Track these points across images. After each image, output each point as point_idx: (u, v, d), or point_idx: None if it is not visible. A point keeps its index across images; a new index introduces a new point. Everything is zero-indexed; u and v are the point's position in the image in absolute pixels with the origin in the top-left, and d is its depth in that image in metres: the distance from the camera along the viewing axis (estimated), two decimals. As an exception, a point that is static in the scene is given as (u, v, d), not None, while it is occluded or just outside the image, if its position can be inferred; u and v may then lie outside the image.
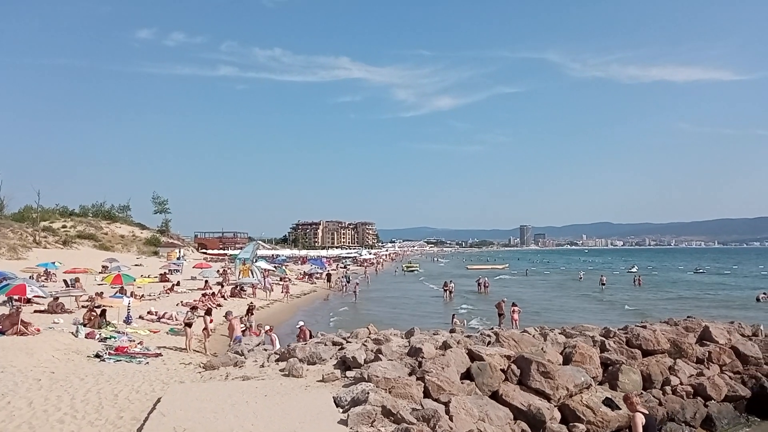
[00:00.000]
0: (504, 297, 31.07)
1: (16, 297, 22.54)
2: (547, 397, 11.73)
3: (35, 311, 22.74)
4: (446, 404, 10.08)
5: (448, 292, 45.38)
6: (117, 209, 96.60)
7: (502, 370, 12.46)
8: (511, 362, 12.71)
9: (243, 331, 17.56)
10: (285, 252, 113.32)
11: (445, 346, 13.58)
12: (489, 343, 14.57)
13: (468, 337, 15.51)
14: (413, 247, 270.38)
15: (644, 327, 16.20)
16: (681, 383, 13.81)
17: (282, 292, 40.42)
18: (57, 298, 24.95)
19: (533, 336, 15.76)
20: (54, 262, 43.89)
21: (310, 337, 18.27)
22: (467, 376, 12.26)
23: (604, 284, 55.40)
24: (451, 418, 9.46)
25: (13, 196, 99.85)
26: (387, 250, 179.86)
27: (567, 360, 13.54)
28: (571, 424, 11.49)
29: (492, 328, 17.68)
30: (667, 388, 13.62)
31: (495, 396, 11.73)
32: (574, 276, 72.50)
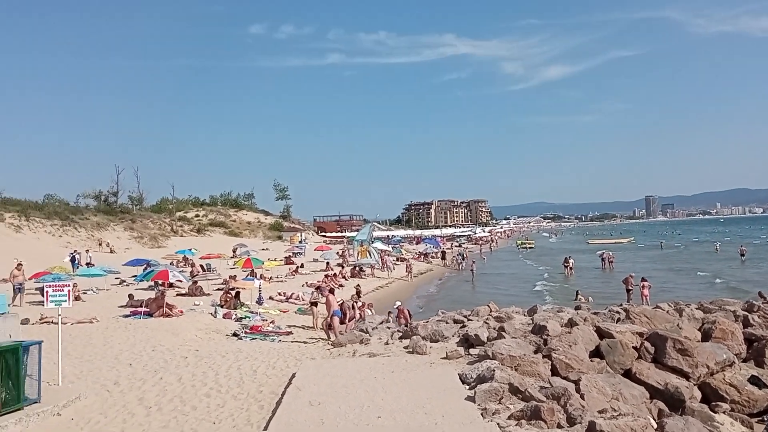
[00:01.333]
0: (632, 272, 29.55)
1: (160, 282, 24.70)
2: (685, 376, 11.08)
3: (177, 294, 24.75)
4: (576, 382, 9.79)
5: (568, 268, 43.94)
6: (242, 197, 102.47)
7: (635, 348, 11.91)
8: (644, 339, 12.10)
9: (340, 305, 17.95)
10: (399, 233, 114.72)
11: (571, 323, 13.19)
12: (618, 320, 13.97)
13: (595, 314, 14.95)
14: (529, 223, 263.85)
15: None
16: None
17: (406, 271, 41.55)
18: (196, 281, 27.03)
19: (667, 312, 14.90)
20: (191, 249, 47.39)
21: (410, 317, 18.55)
22: (596, 354, 11.86)
23: (743, 255, 51.04)
24: (582, 397, 9.18)
25: (151, 189, 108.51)
26: (501, 228, 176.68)
27: (706, 336, 12.67)
28: (713, 403, 10.78)
29: (621, 305, 16.90)
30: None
31: (627, 374, 11.25)
32: (708, 248, 67.38)
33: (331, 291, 20.78)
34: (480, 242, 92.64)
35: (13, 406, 8.48)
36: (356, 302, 20.01)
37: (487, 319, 14.96)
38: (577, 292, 28.85)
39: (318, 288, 23.24)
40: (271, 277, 32.62)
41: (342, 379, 9.84)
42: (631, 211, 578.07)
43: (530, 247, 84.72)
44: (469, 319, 15.33)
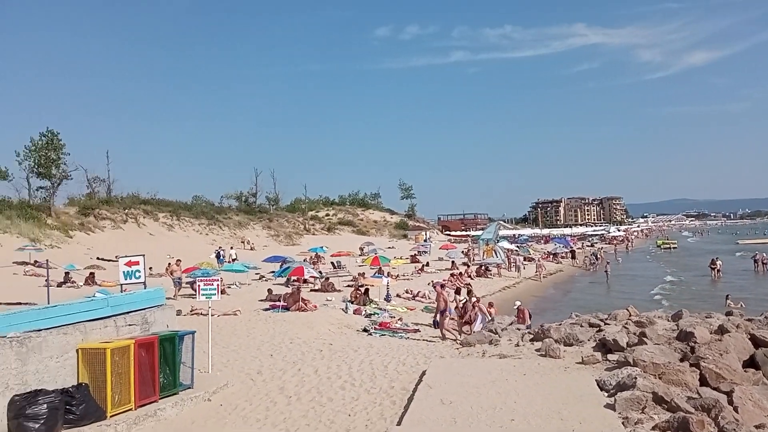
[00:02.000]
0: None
1: (295, 278, 25.99)
2: None
3: (311, 290, 25.89)
4: (728, 393, 8.98)
5: (715, 270, 40.46)
6: (369, 197, 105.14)
7: (798, 360, 10.70)
8: (811, 350, 10.84)
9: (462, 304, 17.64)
10: (526, 231, 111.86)
11: (722, 330, 12.11)
12: (778, 328, 12.61)
13: (749, 320, 13.62)
14: (670, 221, 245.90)
15: None
16: None
17: (536, 271, 40.73)
18: (328, 278, 28.12)
19: (838, 321, 13.23)
20: (322, 247, 49.40)
21: (530, 318, 17.88)
22: (751, 364, 10.79)
23: None
24: (735, 410, 8.40)
25: (286, 190, 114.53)
26: (638, 226, 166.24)
27: None
28: None
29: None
30: None
31: (789, 388, 10.14)
32: None
33: (457, 291, 20.69)
34: (614, 242, 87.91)
35: (170, 391, 9.32)
36: (476, 302, 19.59)
37: (626, 323, 14.15)
38: (726, 296, 26.49)
39: (442, 286, 23.23)
40: (397, 275, 33.15)
41: (472, 379, 9.77)
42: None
43: (672, 248, 78.93)
44: (606, 323, 14.58)
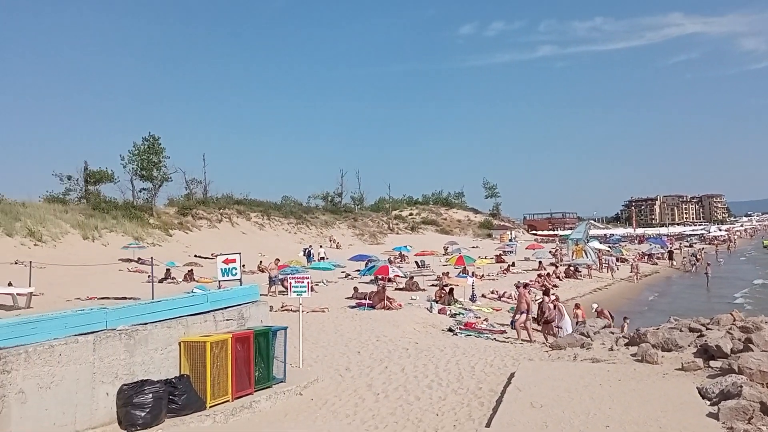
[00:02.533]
0: None
1: (380, 276, 26.26)
2: None
3: (396, 289, 26.08)
4: None
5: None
6: (453, 196, 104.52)
7: None
8: None
9: (539, 304, 17.18)
10: (618, 231, 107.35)
11: (843, 338, 11.11)
12: None
13: None
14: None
15: None
16: None
17: (631, 272, 39.33)
18: (412, 277, 28.23)
19: None
20: (406, 246, 49.64)
21: (612, 318, 17.06)
22: None
23: None
24: None
25: (370, 190, 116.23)
26: (741, 225, 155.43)
27: None
28: None
29: None
30: None
31: None
32: None
33: (545, 292, 20.18)
34: (715, 242, 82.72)
35: (264, 384, 9.67)
36: (554, 301, 18.92)
37: (730, 328, 13.26)
38: None
39: (519, 286, 22.73)
40: (482, 275, 32.76)
41: (564, 383, 9.49)
42: None
43: None
44: (707, 328, 13.73)
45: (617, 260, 44.44)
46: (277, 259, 28.50)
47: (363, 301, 21.05)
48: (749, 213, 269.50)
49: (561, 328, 17.14)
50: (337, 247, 53.83)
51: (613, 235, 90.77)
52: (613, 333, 14.69)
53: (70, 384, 7.31)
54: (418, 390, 10.18)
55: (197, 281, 27.82)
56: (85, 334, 7.75)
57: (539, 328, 17.96)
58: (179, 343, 8.86)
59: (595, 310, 18.35)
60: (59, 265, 26.50)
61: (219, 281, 12.83)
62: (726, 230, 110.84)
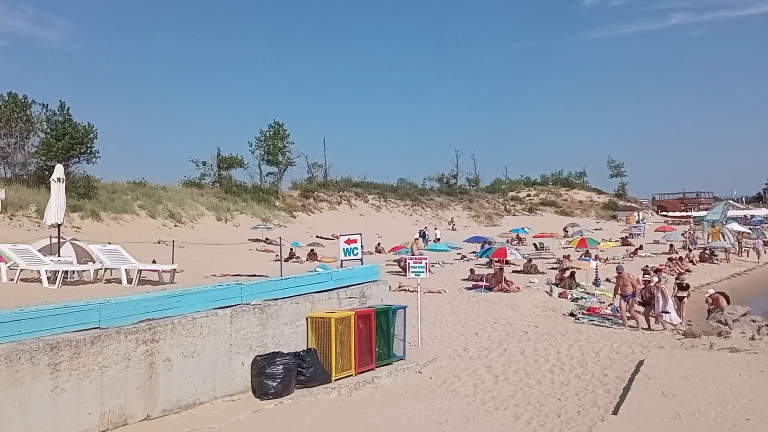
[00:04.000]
0: None
1: (496, 258, 25.93)
2: None
3: (513, 271, 25.64)
4: None
5: None
6: (574, 176, 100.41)
7: None
8: None
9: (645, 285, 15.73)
10: (761, 212, 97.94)
11: None
12: None
13: None
14: None
15: None
16: None
17: None
18: (530, 260, 27.62)
19: None
20: (524, 228, 48.58)
21: (728, 304, 15.45)
22: None
23: None
24: None
25: (486, 171, 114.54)
26: None
27: None
28: None
29: None
30: None
31: None
32: None
33: (677, 276, 18.91)
34: None
35: (384, 361, 9.95)
36: (657, 283, 16.95)
37: None
38: None
39: (658, 271, 21.35)
40: (606, 258, 31.34)
41: (698, 373, 8.93)
42: None
43: None
44: None
45: (765, 244, 40.73)
46: (417, 239, 29.72)
47: (480, 283, 20.92)
48: None
49: (667, 312, 15.52)
50: (453, 229, 53.79)
51: (754, 216, 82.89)
52: (754, 321, 13.59)
53: (210, 354, 7.93)
54: (539, 374, 10.01)
55: (319, 260, 29.00)
56: (223, 308, 8.36)
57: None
58: (306, 319, 9.32)
59: (710, 296, 16.89)
60: (196, 244, 28.77)
61: (341, 260, 13.31)
62: None
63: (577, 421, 7.63)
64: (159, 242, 29.34)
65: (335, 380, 8.94)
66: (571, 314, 17.15)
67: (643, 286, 15.89)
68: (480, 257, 28.78)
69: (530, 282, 22.62)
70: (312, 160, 61.21)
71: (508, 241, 37.90)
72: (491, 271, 22.92)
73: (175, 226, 37.40)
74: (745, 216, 78.83)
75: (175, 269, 18.47)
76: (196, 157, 55.01)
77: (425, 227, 46.78)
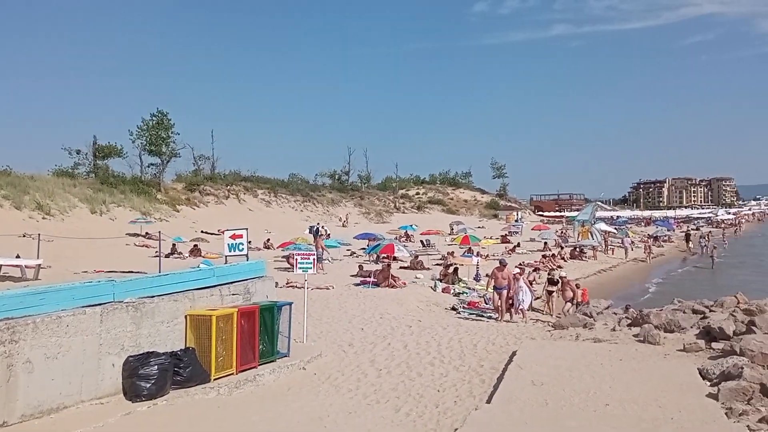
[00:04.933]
0: None
1: (385, 255, 26.33)
2: None
3: (400, 267, 26.18)
4: None
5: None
6: (460, 176, 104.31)
7: None
8: None
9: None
10: (625, 213, 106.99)
11: None
12: None
13: None
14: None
15: None
16: None
17: (644, 252, 40.54)
18: (417, 256, 28.31)
19: None
20: (412, 225, 49.68)
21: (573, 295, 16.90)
22: None
23: None
24: None
25: (377, 168, 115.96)
26: (750, 209, 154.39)
27: None
28: None
29: None
30: None
31: None
32: None
33: (550, 272, 20.20)
34: (723, 225, 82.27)
35: (268, 358, 9.79)
36: (517, 274, 17.81)
37: (733, 311, 13.29)
38: None
39: (536, 270, 22.69)
40: (487, 255, 32.80)
41: (565, 362, 9.58)
42: None
43: None
44: (711, 310, 13.78)
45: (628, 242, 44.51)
46: (322, 235, 29.60)
47: (368, 279, 21.17)
48: (758, 197, 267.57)
49: (522, 300, 16.45)
50: (344, 226, 53.97)
51: (620, 217, 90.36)
52: (616, 314, 14.77)
53: (77, 354, 7.42)
54: (420, 366, 10.29)
55: (204, 256, 28.02)
56: (92, 305, 7.85)
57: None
58: (185, 317, 8.96)
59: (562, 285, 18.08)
60: (67, 239, 26.72)
61: (225, 256, 12.92)
62: (734, 214, 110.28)
63: (453, 410, 7.92)
64: (24, 236, 27.01)
65: (215, 380, 8.68)
66: (453, 308, 17.80)
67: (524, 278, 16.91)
68: (369, 253, 29.10)
69: (416, 278, 23.19)
70: (199, 152, 58.92)
71: (396, 238, 38.62)
72: (379, 267, 23.26)
73: (44, 218, 34.54)
74: (611, 217, 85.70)
75: (40, 265, 17.13)
76: (70, 144, 51.22)
77: (317, 223, 46.54)
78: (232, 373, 8.98)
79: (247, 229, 12.93)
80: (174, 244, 30.43)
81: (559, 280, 18.42)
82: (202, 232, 39.66)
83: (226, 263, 12.39)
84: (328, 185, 75.12)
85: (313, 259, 12.31)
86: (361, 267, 24.35)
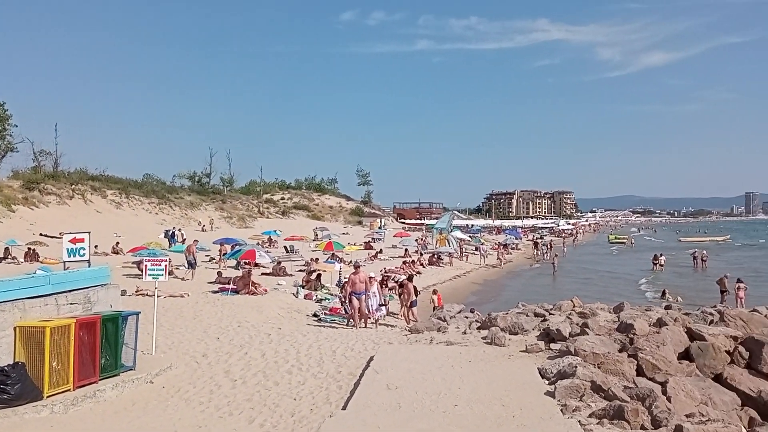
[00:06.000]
0: (726, 272, 27.87)
1: (245, 261, 25.68)
2: (783, 385, 10.35)
3: (262, 274, 25.65)
4: (662, 384, 9.38)
5: (657, 265, 42.04)
6: (326, 182, 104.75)
7: (727, 352, 11.25)
8: (739, 344, 11.41)
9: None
10: (479, 222, 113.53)
11: (660, 323, 12.59)
12: (711, 322, 13.21)
13: (686, 314, 14.20)
14: (617, 217, 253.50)
15: None
16: None
17: (498, 258, 43.81)
18: (279, 262, 27.90)
19: (765, 316, 13.94)
20: (276, 230, 48.96)
21: (415, 293, 17.71)
22: (685, 356, 11.28)
23: None
24: (669, 399, 8.78)
25: (241, 171, 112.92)
26: (587, 221, 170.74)
27: (808, 345, 11.76)
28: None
29: (714, 306, 15.99)
30: None
31: (718, 379, 10.66)
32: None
33: (410, 278, 20.85)
34: (563, 235, 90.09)
35: (110, 372, 9.08)
36: (372, 278, 18.22)
37: (570, 314, 14.56)
38: (664, 291, 27.60)
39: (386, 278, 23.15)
40: (350, 261, 33.13)
41: (419, 365, 9.88)
42: (728, 208, 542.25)
43: (622, 242, 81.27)
44: (550, 313, 14.98)
45: (476, 249, 47.18)
46: (196, 240, 27.78)
47: (226, 286, 20.48)
48: (594, 209, 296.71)
49: (372, 306, 16.89)
50: (203, 230, 51.88)
51: (474, 225, 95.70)
52: (467, 317, 15.54)
53: None
54: (278, 375, 10.10)
55: (41, 262, 25.54)
56: None
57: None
58: (14, 328, 8.08)
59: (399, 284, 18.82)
60: None
61: (64, 262, 11.82)
62: (573, 224, 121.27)
63: (309, 419, 7.85)
64: None
65: (48, 397, 7.90)
66: (315, 315, 17.73)
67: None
68: (229, 259, 28.19)
69: (278, 284, 22.85)
70: (39, 147, 53.70)
71: (258, 244, 37.81)
72: (239, 273, 22.61)
73: None
74: (467, 225, 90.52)
75: None
76: None
77: (174, 227, 44.26)
78: (69, 389, 8.23)
79: (89, 232, 11.93)
80: (7, 248, 27.43)
81: (405, 284, 18.48)
82: (41, 235, 36.13)
83: (65, 269, 11.35)
84: (187, 187, 71.83)
85: (165, 266, 11.64)
86: (220, 273, 23.51)
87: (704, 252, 46.96)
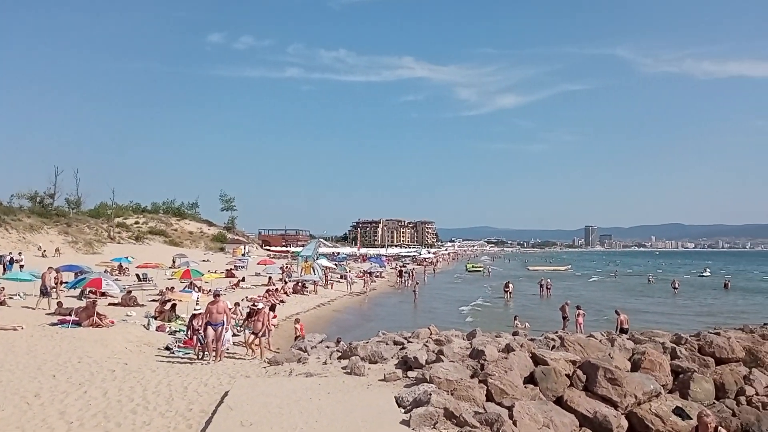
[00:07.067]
0: (567, 300, 30.32)
1: (90, 290, 23.72)
2: (614, 405, 11.38)
3: (109, 304, 23.81)
4: (509, 408, 9.92)
5: (507, 293, 44.77)
6: (186, 206, 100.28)
7: (567, 376, 12.17)
8: (577, 367, 12.40)
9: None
10: (345, 250, 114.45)
11: (508, 349, 13.38)
12: (553, 347, 14.27)
13: (531, 340, 15.24)
14: (473, 246, 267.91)
15: (718, 334, 15.46)
16: (757, 393, 13.07)
17: (364, 286, 44.76)
18: (130, 291, 26.08)
19: (600, 341, 15.32)
20: (127, 257, 45.86)
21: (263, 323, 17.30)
22: (531, 380, 12.05)
23: (676, 288, 53.05)
24: (514, 423, 9.30)
25: (90, 193, 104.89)
26: (446, 250, 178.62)
27: (635, 367, 13.09)
28: (639, 433, 11.10)
29: (556, 332, 17.30)
30: (742, 399, 12.93)
31: (559, 402, 11.47)
32: (643, 279, 69.91)
33: (272, 307, 20.39)
34: (424, 263, 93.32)
35: None
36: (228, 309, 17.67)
37: (426, 341, 15.02)
38: (515, 317, 29.38)
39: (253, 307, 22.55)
40: (210, 290, 31.80)
41: (277, 399, 9.64)
42: (570, 240, 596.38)
43: (479, 271, 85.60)
44: (409, 341, 15.35)
45: (341, 277, 47.47)
46: (50, 268, 24.54)
47: (67, 318, 18.72)
48: (453, 239, 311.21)
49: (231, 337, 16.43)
50: (43, 256, 47.32)
51: (340, 253, 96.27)
52: (328, 347, 15.47)
53: None
54: (120, 416, 9.35)
55: None
56: None
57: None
58: None
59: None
60: None
61: None
62: (433, 253, 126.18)
63: (154, 462, 7.32)
64: None
65: None
66: (167, 348, 16.69)
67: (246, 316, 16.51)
68: (71, 288, 25.87)
69: (127, 315, 21.31)
70: None
71: (106, 271, 35.16)
72: (83, 303, 20.79)
73: None
74: (333, 253, 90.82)
75: None
76: None
77: (10, 252, 39.87)
78: None
79: None
80: None
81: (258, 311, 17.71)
82: None
83: None
84: (27, 209, 65.34)
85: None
86: (60, 304, 21.48)
87: (548, 280, 50.85)
